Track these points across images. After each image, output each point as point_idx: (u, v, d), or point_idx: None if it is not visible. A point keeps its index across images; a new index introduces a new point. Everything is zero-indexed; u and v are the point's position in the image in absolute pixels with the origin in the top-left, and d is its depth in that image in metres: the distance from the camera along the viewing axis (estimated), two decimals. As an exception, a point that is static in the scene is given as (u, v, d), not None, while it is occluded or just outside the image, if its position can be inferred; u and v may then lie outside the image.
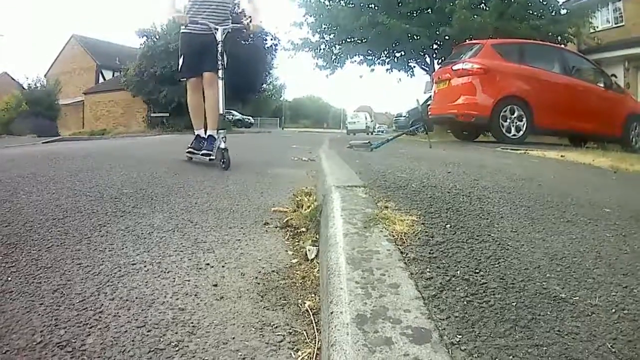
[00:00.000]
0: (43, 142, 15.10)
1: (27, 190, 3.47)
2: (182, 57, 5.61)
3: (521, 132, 9.98)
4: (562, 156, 6.21)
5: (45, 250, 2.14)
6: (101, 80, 48.59)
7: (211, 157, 5.28)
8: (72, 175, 4.23)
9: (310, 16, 21.15)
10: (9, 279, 1.82)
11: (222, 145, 5.07)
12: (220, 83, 5.14)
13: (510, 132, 9.96)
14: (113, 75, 46.77)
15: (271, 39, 36.52)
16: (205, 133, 5.68)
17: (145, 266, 1.97)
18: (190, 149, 5.66)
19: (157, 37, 30.49)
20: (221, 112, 5.19)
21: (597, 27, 22.38)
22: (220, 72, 5.14)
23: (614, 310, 1.21)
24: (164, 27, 30.93)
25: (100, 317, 1.52)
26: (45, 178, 4.02)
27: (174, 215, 2.82)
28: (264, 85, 43.00)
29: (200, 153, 5.43)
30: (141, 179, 4.11)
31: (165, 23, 31.11)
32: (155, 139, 16.58)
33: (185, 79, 5.79)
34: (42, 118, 29.01)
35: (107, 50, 50.16)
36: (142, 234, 2.44)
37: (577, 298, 1.27)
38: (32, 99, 30.29)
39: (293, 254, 2.20)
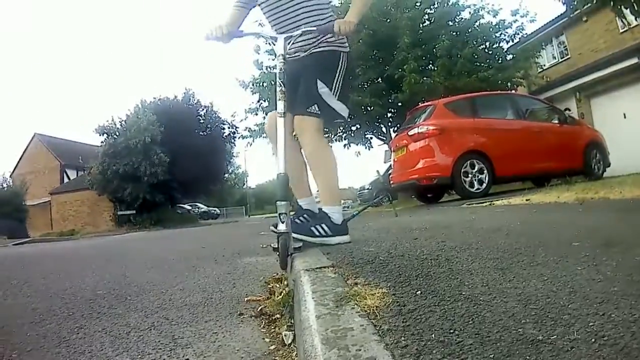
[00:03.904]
0: (14, 244, 15.03)
1: (1, 294, 3.52)
2: None
3: (484, 185, 10.20)
4: (527, 200, 6.32)
5: (26, 354, 2.14)
6: (66, 179, 48.59)
7: (296, 247, 3.15)
8: (45, 277, 4.22)
9: (265, 101, 21.43)
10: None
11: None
12: (280, 123, 3.11)
13: (473, 187, 10.17)
14: (77, 175, 47.01)
15: (228, 127, 36.96)
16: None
17: (125, 367, 1.93)
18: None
19: (117, 134, 30.88)
20: (279, 171, 3.02)
21: (544, 65, 23.29)
22: (280, 104, 3.11)
23: (593, 340, 1.23)
24: (123, 123, 31.26)
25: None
26: (19, 281, 4.01)
27: (149, 314, 2.79)
28: (226, 175, 43.22)
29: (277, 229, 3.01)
30: (113, 279, 4.08)
31: (124, 119, 31.44)
32: (125, 237, 16.48)
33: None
34: (10, 219, 28.77)
35: (69, 149, 50.48)
36: (119, 334, 2.42)
37: (555, 337, 1.28)
38: (-1, 200, 30.12)
39: (270, 340, 2.19)
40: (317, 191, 3.68)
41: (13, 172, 49.01)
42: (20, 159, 53.67)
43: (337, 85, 3.50)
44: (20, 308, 3.02)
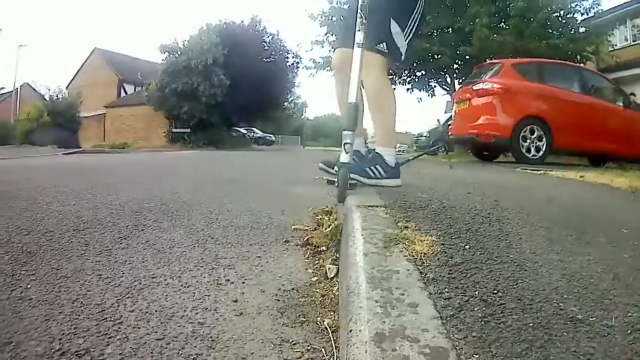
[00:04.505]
0: (64, 154, 15.20)
1: (48, 200, 3.53)
2: None
3: (541, 153, 9.99)
4: (581, 176, 6.18)
5: (66, 260, 2.17)
6: (122, 94, 49.02)
7: (351, 184, 3.07)
8: (93, 187, 4.28)
9: (332, 35, 21.28)
10: (29, 286, 1.85)
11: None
12: (357, 54, 3.03)
13: (530, 153, 9.98)
14: (134, 90, 47.32)
15: (292, 57, 36.53)
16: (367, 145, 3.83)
17: (165, 280, 1.99)
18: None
19: (179, 53, 30.73)
20: (350, 100, 3.00)
21: (616, 45, 22.43)
22: (359, 35, 3.03)
23: (629, 331, 1.21)
24: (185, 43, 31.15)
25: (119, 327, 1.54)
26: (66, 189, 4.08)
27: (194, 231, 2.84)
28: (286, 104, 42.91)
29: (333, 170, 3.35)
30: (161, 193, 4.16)
31: (187, 39, 31.35)
32: (178, 154, 16.67)
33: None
34: (63, 130, 29.17)
35: (128, 65, 50.80)
36: (162, 248, 2.46)
37: (594, 319, 1.27)
38: (53, 111, 30.41)
39: (313, 272, 2.21)
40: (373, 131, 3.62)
41: (69, 84, 49.65)
42: (78, 71, 54.41)
43: (409, 29, 3.39)
44: (65, 215, 3.06)
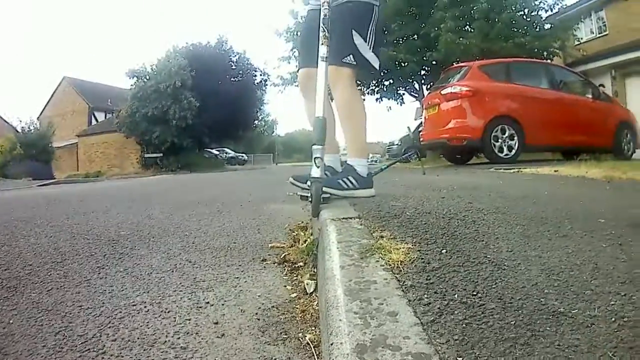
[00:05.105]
0: (38, 185, 15.12)
1: (25, 234, 3.50)
2: None
3: (513, 151, 10.12)
4: (555, 171, 6.24)
5: (46, 293, 2.15)
6: (94, 122, 48.88)
7: (324, 197, 3.10)
8: (69, 217, 4.25)
9: (298, 50, 21.34)
10: (11, 321, 1.83)
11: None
12: (322, 68, 3.08)
13: (502, 152, 10.09)
14: (105, 117, 47.22)
15: (260, 75, 36.60)
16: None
17: (145, 307, 1.97)
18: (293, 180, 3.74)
19: (148, 77, 30.64)
20: (317, 115, 3.01)
21: (582, 38, 22.75)
22: (323, 49, 3.08)
23: (613, 319, 1.22)
24: (154, 67, 31.08)
25: (103, 358, 1.52)
26: (42, 221, 4.04)
27: (171, 256, 2.82)
28: (256, 122, 42.98)
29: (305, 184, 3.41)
30: (137, 220, 4.12)
31: (155, 63, 31.29)
32: (151, 179, 16.59)
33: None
34: (36, 161, 29.03)
35: (98, 92, 50.77)
36: (141, 275, 2.44)
37: (576, 311, 1.27)
38: (26, 142, 30.28)
39: (292, 288, 2.21)
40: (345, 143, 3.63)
41: (40, 114, 49.48)
42: (48, 102, 54.35)
43: (370, 37, 3.41)
44: (43, 248, 3.04)
